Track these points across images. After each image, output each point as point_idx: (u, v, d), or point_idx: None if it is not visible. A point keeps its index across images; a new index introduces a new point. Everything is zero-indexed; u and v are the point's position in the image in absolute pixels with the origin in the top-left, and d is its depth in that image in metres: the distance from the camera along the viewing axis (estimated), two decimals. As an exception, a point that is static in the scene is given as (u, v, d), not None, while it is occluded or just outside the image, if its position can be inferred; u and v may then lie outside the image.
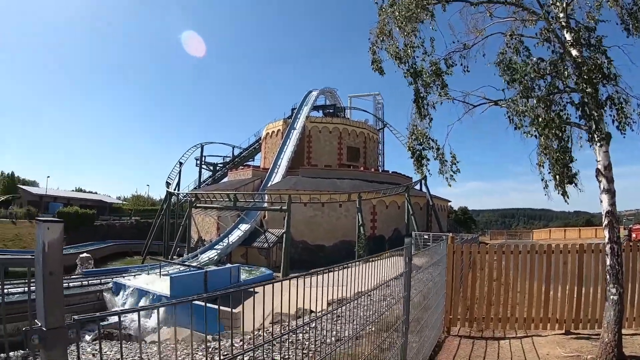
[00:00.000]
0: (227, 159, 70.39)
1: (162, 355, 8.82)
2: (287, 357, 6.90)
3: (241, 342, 8.12)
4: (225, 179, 63.09)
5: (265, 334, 9.33)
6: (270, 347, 6.72)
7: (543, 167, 7.79)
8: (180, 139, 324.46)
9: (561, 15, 7.61)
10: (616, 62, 7.22)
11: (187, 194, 50.63)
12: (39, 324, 1.73)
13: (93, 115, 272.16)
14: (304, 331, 8.51)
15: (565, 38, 7.52)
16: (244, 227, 42.38)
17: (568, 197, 7.48)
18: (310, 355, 7.01)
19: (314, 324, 6.96)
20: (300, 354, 7.29)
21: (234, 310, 14.50)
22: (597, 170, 7.24)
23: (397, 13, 8.27)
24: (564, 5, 7.61)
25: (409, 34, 8.31)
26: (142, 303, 22.25)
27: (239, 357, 2.55)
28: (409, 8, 8.03)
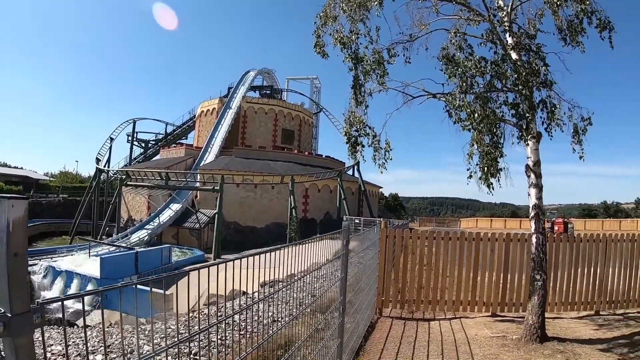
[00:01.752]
0: (160, 136, 68.45)
1: (97, 340, 8.63)
2: (223, 337, 6.94)
3: (175, 325, 8.06)
4: (157, 157, 61.31)
5: (200, 316, 9.31)
6: (208, 331, 6.70)
7: (472, 159, 8.09)
8: (111, 114, 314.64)
9: (505, 19, 7.93)
10: (552, 67, 7.64)
11: (117, 171, 48.97)
12: (2, 310, 1.63)
13: (19, 83, 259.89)
14: (239, 312, 8.54)
15: (507, 41, 7.85)
16: (175, 207, 41.61)
17: (493, 189, 7.85)
18: (247, 336, 7.06)
19: (255, 306, 7.00)
20: (237, 335, 7.33)
21: (166, 292, 14.35)
22: (527, 166, 7.67)
23: None
24: (509, 10, 7.92)
25: (356, 21, 8.42)
26: (72, 285, 21.60)
27: (190, 339, 2.59)
28: None
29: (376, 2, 8.24)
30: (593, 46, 8.35)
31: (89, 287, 20.60)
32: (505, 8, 8.03)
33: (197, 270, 2.68)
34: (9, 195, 1.66)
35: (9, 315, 1.64)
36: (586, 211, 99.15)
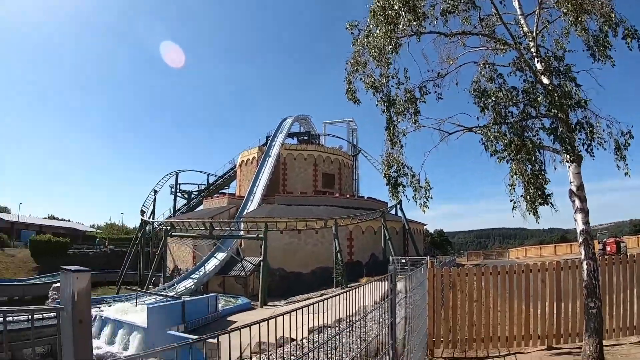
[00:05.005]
0: (202, 187, 69.74)
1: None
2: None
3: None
4: (201, 207, 62.43)
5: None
6: None
7: (514, 190, 8.01)
8: (154, 167, 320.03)
9: (531, 44, 7.93)
10: (585, 86, 7.56)
11: (162, 222, 49.90)
12: None
13: (65, 141, 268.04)
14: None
15: (536, 67, 7.83)
16: (221, 255, 41.88)
17: (539, 218, 7.72)
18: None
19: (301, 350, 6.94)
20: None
21: (212, 340, 14.31)
22: (570, 191, 7.52)
23: (372, 44, 8.49)
24: (534, 35, 7.93)
25: (384, 65, 8.53)
26: (119, 334, 21.87)
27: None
28: (382, 41, 8.25)
29: (390, 47, 8.34)
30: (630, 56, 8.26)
31: (136, 337, 20.85)
32: (530, 34, 8.04)
33: (248, 327, 2.70)
34: (74, 268, 1.76)
35: (74, 376, 1.69)
36: (638, 227, 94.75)
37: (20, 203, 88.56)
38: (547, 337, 9.09)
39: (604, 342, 7.33)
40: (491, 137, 7.68)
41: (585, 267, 7.34)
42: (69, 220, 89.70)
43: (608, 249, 35.45)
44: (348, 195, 57.68)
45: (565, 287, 9.10)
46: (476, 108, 8.20)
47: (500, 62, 8.54)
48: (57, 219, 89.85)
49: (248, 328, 2.60)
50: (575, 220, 7.55)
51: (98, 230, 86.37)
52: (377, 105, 8.75)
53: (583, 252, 7.40)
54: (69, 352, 1.70)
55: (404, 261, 32.42)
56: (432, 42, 8.85)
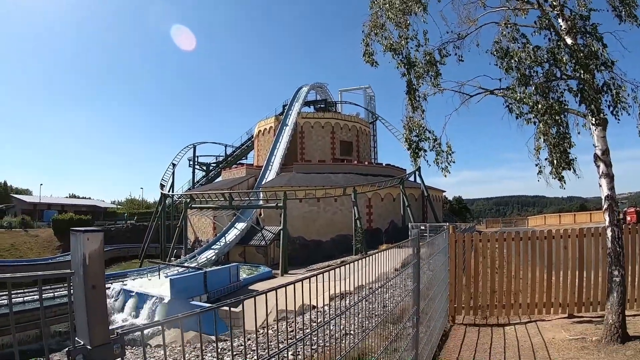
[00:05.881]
0: (220, 158, 69.92)
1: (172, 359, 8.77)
2: (297, 353, 6.90)
3: (248, 341, 8.15)
4: (219, 179, 62.68)
5: (272, 332, 9.33)
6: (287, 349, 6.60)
7: (540, 154, 7.83)
8: (172, 140, 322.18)
9: (555, 2, 7.65)
10: (610, 48, 7.29)
11: (181, 195, 50.36)
12: (82, 342, 1.63)
13: (82, 120, 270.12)
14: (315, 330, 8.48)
15: (560, 27, 7.57)
16: (240, 225, 42.29)
17: (565, 182, 7.54)
18: (320, 351, 7.00)
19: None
20: (309, 350, 7.27)
21: (234, 309, 14.47)
22: (595, 155, 7.31)
23: (388, 6, 8.27)
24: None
25: (403, 26, 8.32)
26: (143, 307, 22.22)
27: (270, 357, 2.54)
28: (403, 0, 8.04)
29: (421, 8, 8.12)
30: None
31: (160, 308, 21.13)
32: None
33: (274, 291, 2.66)
34: (84, 228, 1.65)
35: (89, 347, 1.64)
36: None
37: (41, 184, 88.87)
38: (569, 305, 8.98)
39: (626, 312, 7.20)
40: (517, 98, 7.48)
41: (609, 233, 7.16)
42: (89, 198, 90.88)
43: (628, 218, 35.00)
44: (366, 163, 57.57)
45: (588, 255, 8.93)
46: (497, 70, 7.98)
47: (522, 23, 8.29)
48: (78, 197, 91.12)
49: (268, 293, 2.54)
50: (600, 186, 7.35)
51: (119, 207, 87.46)
52: (397, 67, 8.56)
53: (607, 219, 7.21)
54: (82, 320, 1.61)
55: (423, 228, 32.34)
56: (450, 2, 8.63)
